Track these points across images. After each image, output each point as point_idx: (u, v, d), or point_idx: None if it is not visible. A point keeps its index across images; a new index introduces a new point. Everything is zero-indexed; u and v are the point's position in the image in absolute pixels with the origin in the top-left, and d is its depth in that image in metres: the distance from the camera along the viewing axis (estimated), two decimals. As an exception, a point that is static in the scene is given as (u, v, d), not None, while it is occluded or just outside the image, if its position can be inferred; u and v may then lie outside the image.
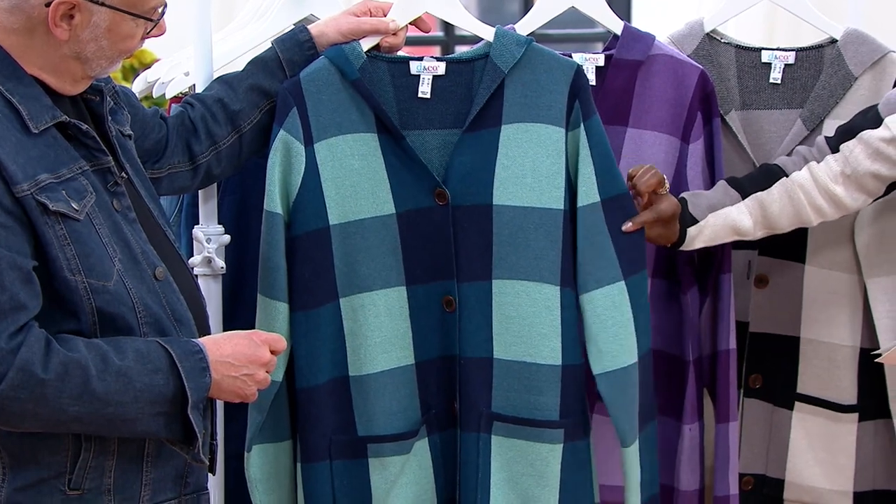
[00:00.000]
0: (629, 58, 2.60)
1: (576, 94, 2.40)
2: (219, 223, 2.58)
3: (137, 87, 2.94)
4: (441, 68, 2.43)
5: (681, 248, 2.55)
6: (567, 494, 2.44)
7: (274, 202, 2.38)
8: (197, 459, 2.07)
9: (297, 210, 2.39)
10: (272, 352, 2.11)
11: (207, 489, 2.17)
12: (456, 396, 2.44)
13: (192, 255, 2.56)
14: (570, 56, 2.61)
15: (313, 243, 2.38)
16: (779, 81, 2.75)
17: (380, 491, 2.42)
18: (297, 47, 2.45)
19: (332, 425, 2.40)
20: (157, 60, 3.61)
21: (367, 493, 2.42)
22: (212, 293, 2.55)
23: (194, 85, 2.59)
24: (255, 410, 2.40)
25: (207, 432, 2.11)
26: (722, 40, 2.78)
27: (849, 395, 2.71)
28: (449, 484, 2.48)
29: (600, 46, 4.28)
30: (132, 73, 3.98)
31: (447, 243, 2.40)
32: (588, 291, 2.40)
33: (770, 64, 2.76)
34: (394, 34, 2.47)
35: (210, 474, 2.19)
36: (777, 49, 2.78)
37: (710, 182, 2.63)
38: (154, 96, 2.84)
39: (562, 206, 2.39)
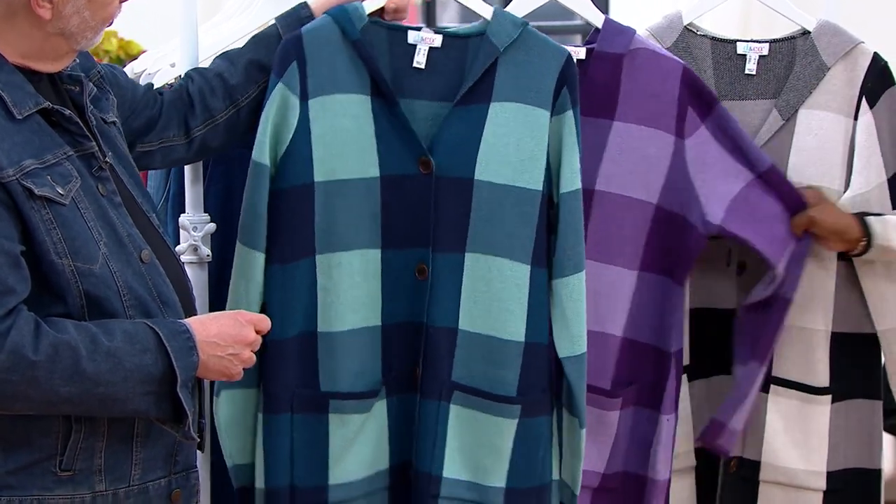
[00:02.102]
0: (610, 51, 2.63)
1: (564, 81, 2.43)
2: (205, 212, 2.62)
3: (124, 77, 2.96)
4: (437, 41, 2.46)
5: (870, 247, 2.63)
6: (516, 468, 2.47)
7: (263, 153, 2.40)
8: (187, 437, 2.10)
9: (284, 164, 2.41)
10: (257, 331, 2.14)
11: (197, 467, 2.20)
12: (419, 362, 2.46)
13: (178, 244, 2.60)
14: None
15: (297, 198, 2.41)
16: (754, 72, 2.80)
17: (337, 447, 2.44)
18: (297, 24, 2.49)
19: (296, 379, 2.42)
20: (143, 52, 3.64)
21: (324, 449, 2.44)
22: (198, 281, 2.57)
23: (180, 76, 2.62)
24: None
25: (196, 410, 2.15)
26: (698, 33, 2.82)
27: (822, 377, 2.76)
28: (401, 447, 2.50)
29: (578, 39, 4.32)
30: (119, 63, 4.00)
31: (426, 212, 2.43)
32: (566, 276, 2.44)
33: (745, 55, 2.80)
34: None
35: (199, 451, 2.23)
36: (751, 41, 2.83)
37: (734, 162, 2.64)
38: (141, 87, 2.86)
39: (540, 188, 2.42)
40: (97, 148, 2.13)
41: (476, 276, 2.43)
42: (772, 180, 2.65)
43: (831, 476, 2.78)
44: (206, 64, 2.63)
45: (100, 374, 1.99)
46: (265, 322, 2.16)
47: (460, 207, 2.42)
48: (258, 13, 2.74)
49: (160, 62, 2.80)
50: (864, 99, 2.72)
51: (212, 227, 2.61)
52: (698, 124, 2.64)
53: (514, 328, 2.43)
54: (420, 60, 2.45)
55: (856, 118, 2.73)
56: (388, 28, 2.47)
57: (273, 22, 2.54)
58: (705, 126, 2.64)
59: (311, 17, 2.49)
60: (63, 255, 2.02)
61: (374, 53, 2.42)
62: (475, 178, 2.41)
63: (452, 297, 2.44)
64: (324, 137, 2.40)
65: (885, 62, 2.75)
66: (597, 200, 2.62)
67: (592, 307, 2.61)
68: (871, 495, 2.82)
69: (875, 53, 2.75)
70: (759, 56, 2.80)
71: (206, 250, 2.60)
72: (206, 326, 2.10)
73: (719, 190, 2.63)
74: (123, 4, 2.16)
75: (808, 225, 2.64)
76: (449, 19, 5.60)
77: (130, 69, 2.94)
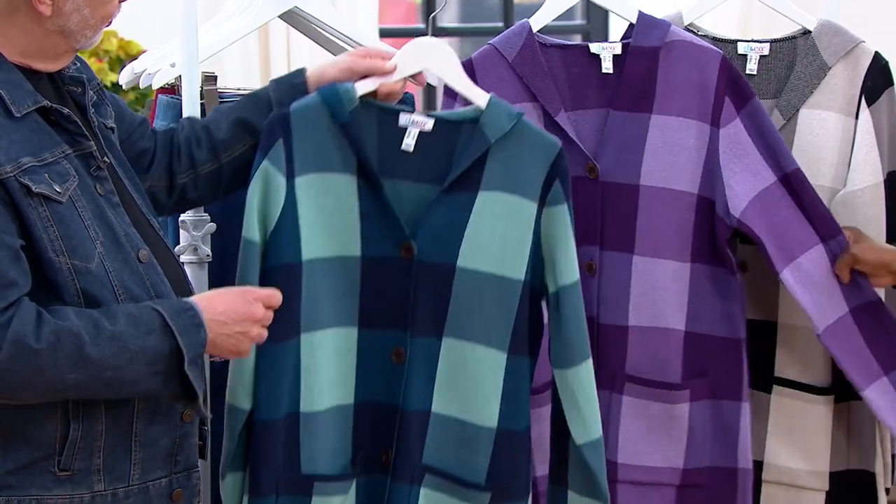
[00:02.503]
0: (646, 45, 2.63)
1: (556, 174, 2.39)
2: (204, 212, 2.61)
3: (124, 78, 2.97)
4: (429, 125, 2.42)
5: None
6: None
7: (252, 230, 2.37)
8: (200, 414, 2.12)
9: (273, 242, 2.38)
10: (267, 307, 2.15)
11: (198, 467, 2.20)
12: (392, 445, 2.43)
13: (178, 244, 2.60)
14: (588, 47, 2.66)
15: (285, 277, 2.37)
16: (755, 72, 2.80)
17: None
18: (289, 89, 2.43)
19: (282, 461, 2.40)
20: (143, 52, 3.64)
21: None
22: (198, 281, 2.57)
23: (181, 76, 2.63)
24: (227, 437, 2.40)
25: (207, 386, 2.14)
26: (699, 33, 2.83)
27: (823, 377, 2.75)
28: None
29: (578, 39, 4.31)
30: (118, 63, 4.00)
31: (406, 296, 2.41)
32: (574, 366, 2.41)
33: (746, 56, 2.81)
34: (393, 84, 2.43)
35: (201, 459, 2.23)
36: (752, 41, 2.83)
37: (762, 160, 2.63)
38: (141, 87, 2.87)
39: (522, 278, 2.40)
40: (96, 148, 2.14)
41: (451, 360, 2.41)
42: (795, 184, 2.64)
43: (833, 476, 2.77)
44: (206, 65, 2.63)
45: (105, 358, 1.99)
46: (275, 298, 2.16)
47: (441, 293, 2.40)
48: (258, 13, 2.74)
49: (160, 62, 2.80)
50: (863, 97, 2.73)
51: (212, 226, 2.61)
52: (734, 115, 2.64)
53: (487, 414, 2.41)
54: (409, 143, 2.41)
55: (857, 117, 2.74)
56: (378, 108, 2.43)
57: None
58: (740, 118, 2.64)
59: (303, 83, 2.43)
60: (60, 253, 2.03)
61: (362, 136, 2.39)
62: (457, 265, 2.39)
63: (427, 380, 2.42)
64: (309, 216, 2.38)
65: (886, 61, 2.76)
66: (642, 195, 2.63)
67: (649, 303, 2.63)
68: (872, 497, 2.81)
69: (876, 52, 2.75)
70: (760, 56, 2.80)
71: (206, 250, 2.60)
72: (212, 304, 2.10)
73: (745, 184, 2.63)
74: (123, 4, 2.17)
75: (852, 263, 2.62)
76: (449, 19, 5.58)
77: (130, 69, 2.95)
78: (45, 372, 1.96)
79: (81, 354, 1.98)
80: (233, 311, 2.11)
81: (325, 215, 2.37)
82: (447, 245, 2.39)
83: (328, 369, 2.40)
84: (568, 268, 2.40)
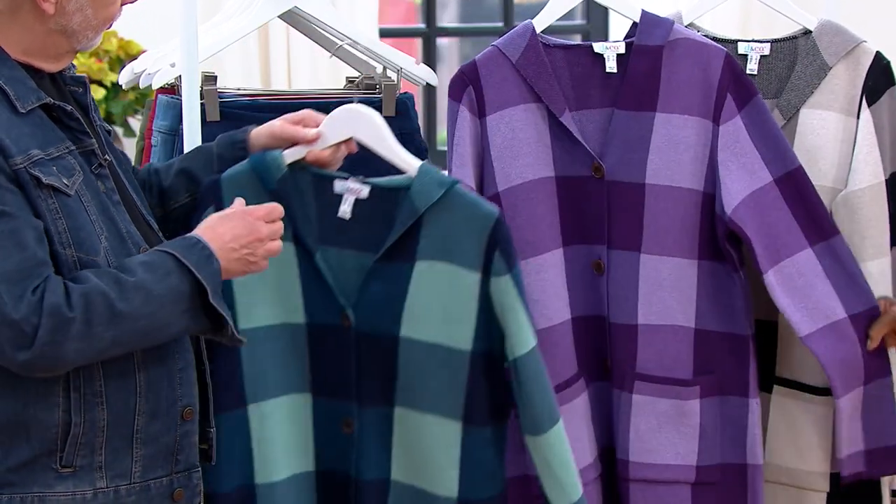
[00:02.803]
0: (650, 43, 2.64)
1: (495, 245, 2.34)
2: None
3: (124, 78, 2.97)
4: (365, 192, 2.38)
5: None
6: None
7: None
8: (234, 340, 2.15)
9: None
10: (271, 221, 2.17)
11: (199, 467, 2.21)
12: None
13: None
14: (592, 46, 2.67)
15: (221, 348, 2.33)
16: (755, 72, 2.81)
17: None
18: (230, 145, 2.44)
19: None
20: (143, 52, 3.64)
21: None
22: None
23: (181, 76, 2.63)
24: None
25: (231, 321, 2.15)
26: (699, 33, 2.83)
27: (824, 378, 2.72)
28: None
29: (578, 38, 4.30)
30: (118, 63, 4.00)
31: (349, 366, 2.40)
32: (545, 432, 2.38)
33: (746, 56, 2.82)
34: (320, 151, 2.40)
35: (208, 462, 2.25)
36: (753, 41, 2.84)
37: (760, 159, 2.64)
38: (141, 87, 2.87)
39: (469, 348, 2.36)
40: (97, 146, 2.16)
41: (405, 428, 2.39)
42: (795, 183, 2.64)
43: (834, 477, 2.76)
44: (206, 65, 2.62)
45: (135, 309, 2.02)
46: (276, 211, 2.18)
47: (386, 362, 2.38)
48: (258, 13, 2.75)
49: (160, 62, 2.80)
50: (864, 97, 2.73)
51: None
52: (734, 112, 2.64)
53: (445, 484, 2.39)
54: (345, 210, 2.38)
55: (858, 117, 2.74)
56: (314, 175, 2.40)
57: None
58: (741, 116, 2.65)
59: (244, 140, 2.43)
60: (67, 246, 2.05)
61: (296, 202, 2.37)
62: (401, 335, 2.37)
63: (382, 449, 2.40)
64: (245, 284, 2.35)
65: (888, 61, 2.76)
66: (648, 194, 2.64)
67: (657, 301, 2.64)
68: (874, 498, 2.81)
69: (877, 52, 2.75)
70: (761, 56, 2.81)
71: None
72: (218, 233, 2.13)
73: (739, 182, 2.63)
74: (124, 6, 2.17)
75: (893, 325, 2.62)
76: (449, 19, 5.64)
77: (130, 69, 2.96)
78: (84, 336, 1.99)
79: (113, 311, 2.00)
80: (239, 236, 2.14)
81: (264, 283, 2.32)
82: (387, 314, 2.37)
83: (283, 437, 2.39)
84: (521, 338, 2.35)
